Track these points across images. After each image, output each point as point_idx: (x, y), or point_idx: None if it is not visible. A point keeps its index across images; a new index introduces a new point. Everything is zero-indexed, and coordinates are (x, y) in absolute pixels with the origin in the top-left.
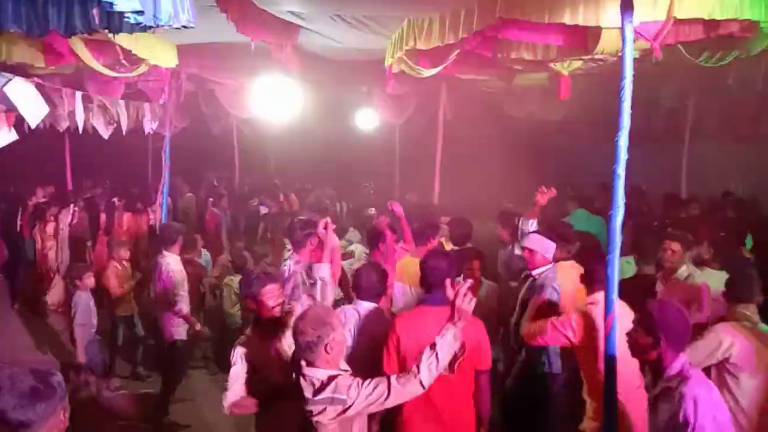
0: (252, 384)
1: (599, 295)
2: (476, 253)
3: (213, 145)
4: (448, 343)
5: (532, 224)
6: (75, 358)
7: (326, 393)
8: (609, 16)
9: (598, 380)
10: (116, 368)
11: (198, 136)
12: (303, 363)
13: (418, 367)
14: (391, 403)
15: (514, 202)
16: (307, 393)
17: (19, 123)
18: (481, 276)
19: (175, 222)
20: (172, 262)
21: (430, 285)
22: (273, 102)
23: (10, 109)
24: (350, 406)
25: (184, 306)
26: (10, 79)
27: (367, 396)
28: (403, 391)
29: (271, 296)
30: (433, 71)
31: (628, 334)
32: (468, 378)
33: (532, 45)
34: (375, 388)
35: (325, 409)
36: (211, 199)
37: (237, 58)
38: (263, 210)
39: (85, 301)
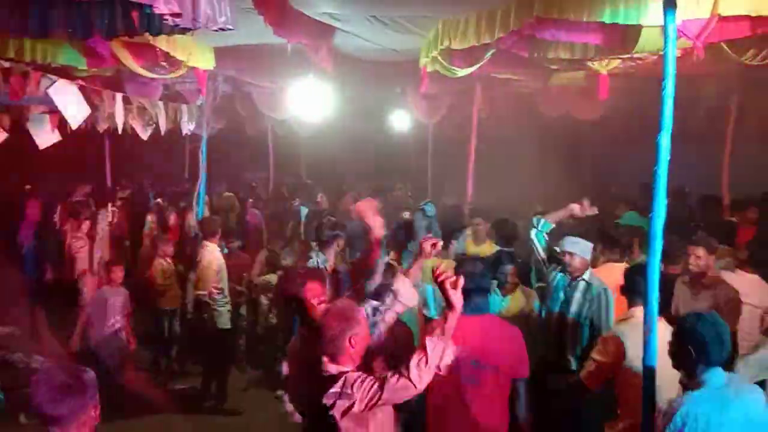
0: (296, 394)
1: (637, 311)
2: (511, 258)
3: (248, 145)
4: (436, 342)
5: (547, 227)
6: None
7: (336, 387)
8: (650, 14)
9: (628, 396)
10: (142, 361)
11: (233, 137)
12: (325, 359)
13: (408, 367)
14: (385, 401)
15: (550, 203)
16: (321, 388)
17: (62, 124)
18: (518, 281)
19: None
20: (211, 251)
21: (470, 293)
22: (308, 103)
23: (54, 110)
24: (354, 403)
25: (214, 290)
26: (54, 81)
27: (366, 392)
28: (397, 386)
29: (314, 294)
30: (468, 71)
31: (669, 343)
32: (505, 387)
33: (570, 44)
34: (372, 386)
35: (334, 403)
36: (250, 200)
37: (273, 60)
38: (304, 211)
39: (102, 296)
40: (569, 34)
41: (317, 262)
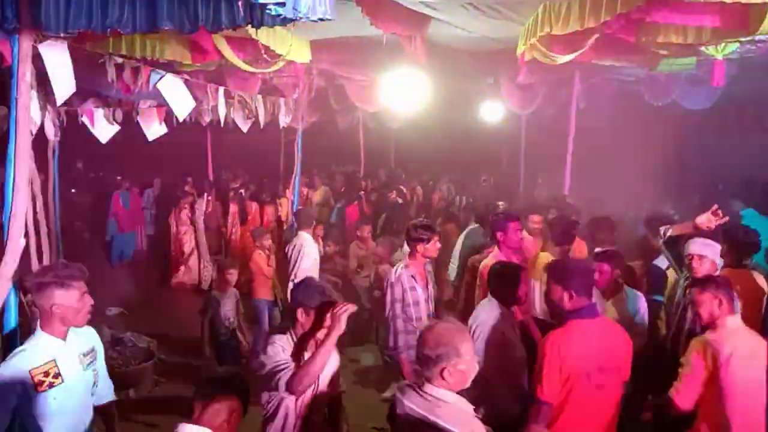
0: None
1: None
2: (609, 257)
3: (340, 138)
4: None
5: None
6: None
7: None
8: None
9: (718, 418)
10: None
11: (326, 131)
12: (424, 381)
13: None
14: None
15: (652, 198)
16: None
17: (168, 116)
18: (623, 283)
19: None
20: (308, 242)
21: (578, 294)
22: (401, 95)
23: (161, 103)
24: None
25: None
26: (162, 76)
27: None
28: None
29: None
30: (569, 58)
31: None
32: (622, 390)
33: (682, 27)
34: None
35: None
36: (362, 192)
37: (366, 53)
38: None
39: (220, 302)
40: (683, 16)
41: (398, 268)
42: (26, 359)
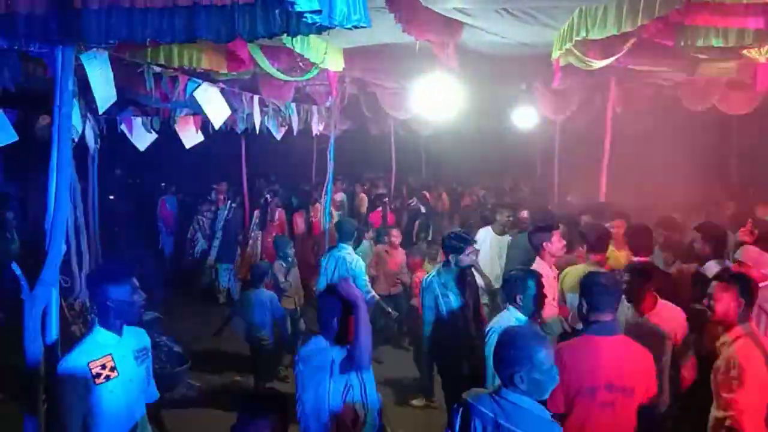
0: None
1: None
2: (641, 269)
3: (371, 146)
4: None
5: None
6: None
7: None
8: None
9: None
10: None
11: (357, 138)
12: (499, 386)
13: None
14: None
15: (690, 206)
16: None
17: (204, 125)
18: (657, 296)
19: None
20: (349, 253)
21: (595, 309)
22: (433, 102)
23: (197, 112)
24: None
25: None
26: (199, 84)
27: None
28: None
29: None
30: (605, 63)
31: None
32: (635, 410)
33: (723, 30)
34: None
35: None
36: (385, 199)
37: (399, 60)
38: (423, 210)
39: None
40: (724, 18)
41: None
42: (85, 352)
